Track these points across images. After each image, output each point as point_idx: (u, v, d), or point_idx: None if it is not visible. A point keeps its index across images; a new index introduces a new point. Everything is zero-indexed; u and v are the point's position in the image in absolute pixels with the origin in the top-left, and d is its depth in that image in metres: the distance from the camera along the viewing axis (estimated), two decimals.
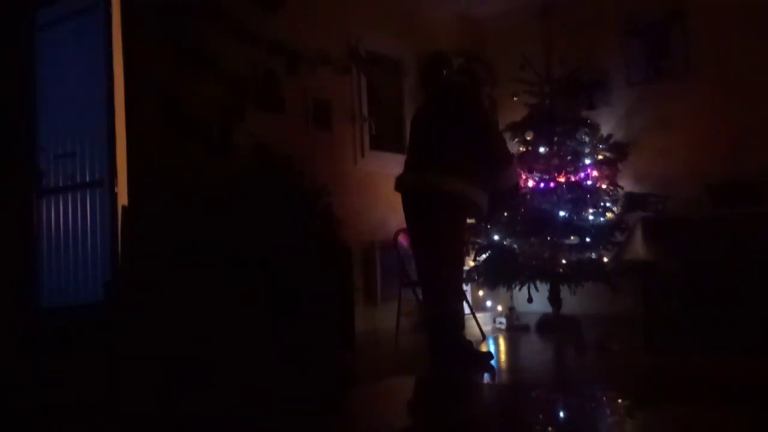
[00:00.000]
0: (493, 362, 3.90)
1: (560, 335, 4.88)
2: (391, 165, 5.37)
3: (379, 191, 5.36)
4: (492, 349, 4.51)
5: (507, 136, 5.59)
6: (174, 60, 4.22)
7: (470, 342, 3.92)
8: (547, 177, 5.20)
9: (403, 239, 5.01)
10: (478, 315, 5.08)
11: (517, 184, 4.04)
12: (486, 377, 3.65)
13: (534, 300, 5.13)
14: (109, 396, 3.20)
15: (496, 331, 5.22)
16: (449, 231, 3.76)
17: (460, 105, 3.84)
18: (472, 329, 4.79)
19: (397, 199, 4.06)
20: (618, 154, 5.33)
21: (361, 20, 5.59)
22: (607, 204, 5.17)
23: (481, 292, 5.95)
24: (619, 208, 5.13)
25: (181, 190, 4.05)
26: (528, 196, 5.18)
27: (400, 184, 3.94)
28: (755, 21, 5.00)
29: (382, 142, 5.74)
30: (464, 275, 4.33)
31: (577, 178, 5.16)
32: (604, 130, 5.42)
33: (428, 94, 4.23)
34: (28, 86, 4.65)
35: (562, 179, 5.15)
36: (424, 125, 3.96)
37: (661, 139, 5.40)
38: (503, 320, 5.29)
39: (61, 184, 4.58)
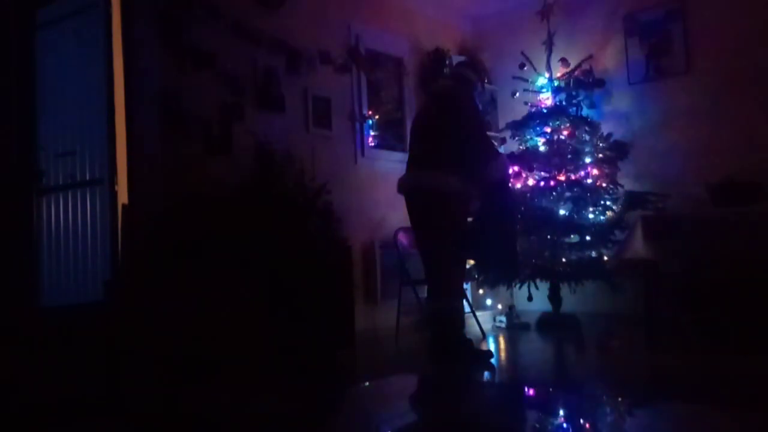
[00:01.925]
0: (493, 360, 3.90)
1: (560, 334, 4.89)
2: (391, 164, 5.39)
3: (379, 190, 5.36)
4: (492, 347, 4.51)
5: (507, 134, 5.61)
6: (174, 59, 4.22)
7: (470, 341, 3.94)
8: (547, 175, 5.20)
9: (403, 238, 5.01)
10: (479, 313, 5.09)
11: (504, 176, 4.04)
12: (486, 375, 3.65)
13: (534, 298, 5.13)
14: (110, 395, 3.20)
15: (496, 329, 5.22)
16: (447, 230, 3.81)
17: (449, 107, 3.91)
18: (472, 327, 4.80)
19: (397, 198, 4.08)
20: (618, 152, 5.32)
21: (361, 18, 5.59)
22: (607, 203, 5.17)
23: (481, 291, 5.95)
24: (619, 206, 5.13)
25: (181, 190, 4.05)
26: (528, 195, 5.18)
27: (400, 185, 4.01)
28: (755, 20, 4.99)
29: (382, 141, 5.74)
30: (465, 273, 4.35)
31: (578, 176, 5.16)
32: (605, 129, 5.42)
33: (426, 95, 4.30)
34: (28, 85, 4.65)
35: (562, 178, 5.14)
36: (419, 127, 4.06)
37: (661, 138, 5.39)
38: (503, 319, 5.29)
39: (61, 183, 4.58)
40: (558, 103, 5.39)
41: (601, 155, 5.28)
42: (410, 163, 4.02)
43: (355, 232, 5.01)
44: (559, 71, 5.49)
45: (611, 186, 5.21)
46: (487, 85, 6.16)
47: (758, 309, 3.68)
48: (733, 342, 3.65)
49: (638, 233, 3.91)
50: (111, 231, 4.09)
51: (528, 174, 5.28)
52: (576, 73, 5.46)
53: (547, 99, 5.46)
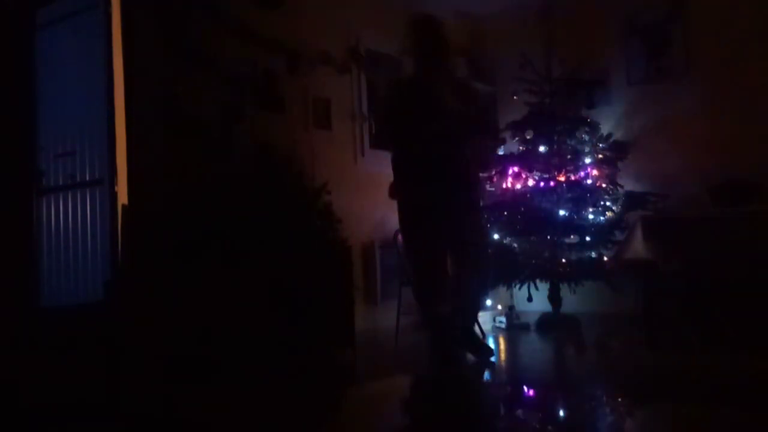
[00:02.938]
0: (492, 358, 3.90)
1: (560, 334, 4.88)
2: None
3: (379, 190, 5.33)
4: (492, 348, 4.50)
5: (507, 135, 5.59)
6: (174, 60, 4.22)
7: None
8: (547, 176, 5.20)
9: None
10: (478, 314, 5.07)
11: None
12: (486, 376, 3.65)
13: (534, 299, 5.13)
14: (110, 396, 3.20)
15: (496, 330, 5.22)
16: (405, 234, 3.86)
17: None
18: None
19: None
20: (618, 153, 5.33)
21: (361, 19, 5.58)
22: (607, 203, 5.17)
23: None
24: (619, 207, 5.14)
25: (181, 190, 4.05)
26: (528, 195, 5.18)
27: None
28: (755, 20, 4.99)
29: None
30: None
31: (577, 177, 5.16)
32: (604, 129, 5.42)
33: None
34: (28, 86, 4.65)
35: (562, 178, 5.14)
36: None
37: (661, 139, 5.39)
38: (503, 319, 5.29)
39: (61, 183, 4.58)
40: (558, 104, 5.38)
41: (600, 155, 5.28)
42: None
43: (355, 232, 5.00)
44: (558, 71, 5.49)
45: (611, 186, 5.21)
46: (487, 86, 6.17)
47: (758, 309, 3.68)
48: (733, 342, 3.64)
49: (638, 233, 3.91)
50: (111, 231, 4.09)
51: (528, 174, 5.28)
52: (576, 73, 5.45)
53: (546, 99, 5.46)
